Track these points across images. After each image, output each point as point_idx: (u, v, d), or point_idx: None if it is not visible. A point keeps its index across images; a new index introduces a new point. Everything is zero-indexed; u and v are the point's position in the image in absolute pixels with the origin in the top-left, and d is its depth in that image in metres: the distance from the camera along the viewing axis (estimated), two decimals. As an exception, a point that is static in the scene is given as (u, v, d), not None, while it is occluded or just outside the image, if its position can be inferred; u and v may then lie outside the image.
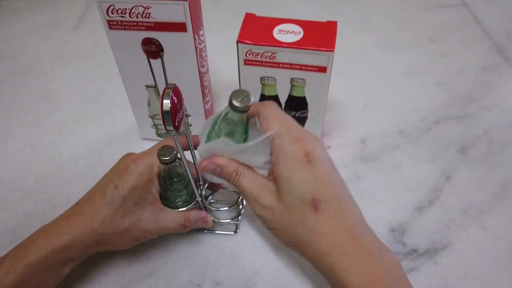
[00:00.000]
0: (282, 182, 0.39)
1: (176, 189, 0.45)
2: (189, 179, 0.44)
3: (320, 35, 0.47)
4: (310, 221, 0.38)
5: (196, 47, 0.47)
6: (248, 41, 0.47)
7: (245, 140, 0.43)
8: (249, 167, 0.42)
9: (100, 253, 0.47)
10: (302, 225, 0.38)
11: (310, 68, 0.48)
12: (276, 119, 0.41)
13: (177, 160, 0.42)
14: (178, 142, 0.39)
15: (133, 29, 0.46)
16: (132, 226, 0.43)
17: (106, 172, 0.45)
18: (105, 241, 0.42)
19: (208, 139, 0.42)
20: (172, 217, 0.45)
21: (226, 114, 0.41)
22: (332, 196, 0.38)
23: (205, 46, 0.51)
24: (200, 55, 0.49)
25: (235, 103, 0.39)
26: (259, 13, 0.51)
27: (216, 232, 0.50)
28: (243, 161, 0.42)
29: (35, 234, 0.41)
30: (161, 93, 0.35)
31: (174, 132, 0.36)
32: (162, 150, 0.42)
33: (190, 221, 0.46)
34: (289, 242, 0.41)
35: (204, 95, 0.53)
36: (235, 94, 0.39)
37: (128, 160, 0.44)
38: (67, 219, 0.42)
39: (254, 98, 0.40)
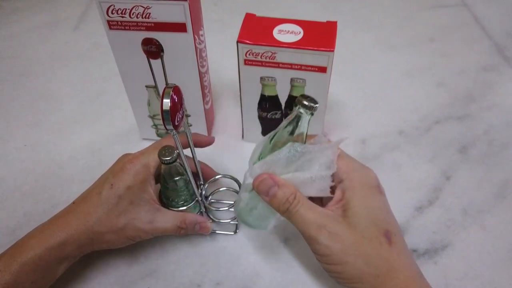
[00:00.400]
0: (357, 208, 0.36)
1: (177, 189, 0.45)
2: (189, 178, 0.44)
3: (320, 35, 0.47)
4: (385, 253, 0.35)
5: (196, 47, 0.47)
6: (248, 41, 0.47)
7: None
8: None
9: (100, 253, 0.47)
10: (379, 256, 0.35)
11: (310, 68, 0.48)
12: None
13: (177, 160, 0.42)
14: (178, 142, 0.39)
15: (133, 29, 0.46)
16: (127, 225, 0.42)
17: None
18: (100, 239, 0.42)
19: (260, 159, 0.40)
20: (168, 218, 0.44)
21: (288, 124, 0.39)
22: (399, 231, 0.37)
23: (205, 46, 0.51)
24: (200, 55, 0.49)
25: (305, 102, 0.38)
26: (259, 13, 0.51)
27: (216, 232, 0.50)
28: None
29: (31, 233, 0.41)
30: (161, 93, 0.35)
31: (174, 131, 0.36)
32: (163, 150, 0.42)
33: (186, 224, 0.45)
34: (358, 276, 0.36)
35: (204, 95, 0.53)
36: (302, 96, 0.39)
37: (124, 160, 0.44)
38: (62, 217, 0.42)
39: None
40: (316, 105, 0.38)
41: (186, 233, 0.46)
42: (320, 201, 0.42)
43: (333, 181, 0.39)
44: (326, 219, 0.36)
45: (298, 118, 0.39)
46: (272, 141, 0.40)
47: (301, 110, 0.38)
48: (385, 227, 0.36)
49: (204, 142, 0.49)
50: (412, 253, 0.36)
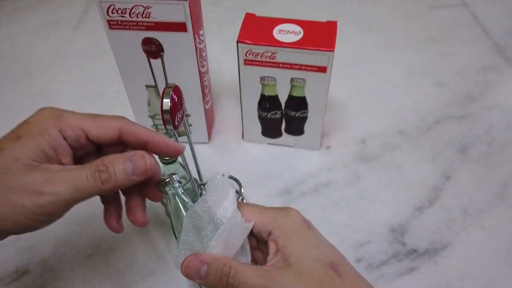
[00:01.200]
0: (295, 252, 0.34)
1: None
2: (190, 179, 0.43)
3: (320, 35, 0.47)
4: (339, 286, 0.34)
5: (196, 47, 0.47)
6: (248, 41, 0.47)
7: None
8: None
9: (101, 253, 0.47)
10: None
11: (310, 68, 0.48)
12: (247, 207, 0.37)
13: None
14: (178, 141, 0.39)
15: (133, 29, 0.46)
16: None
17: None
18: None
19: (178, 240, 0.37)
20: (76, 170, 0.32)
21: (170, 206, 0.37)
22: (343, 258, 0.36)
23: (205, 46, 0.51)
24: (200, 55, 0.49)
25: (162, 186, 0.36)
26: (259, 13, 0.51)
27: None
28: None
29: None
30: (161, 93, 0.35)
31: (174, 131, 0.36)
32: None
33: (105, 163, 0.32)
34: None
35: (204, 95, 0.53)
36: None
37: (49, 122, 0.34)
38: None
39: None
40: (173, 176, 0.36)
41: (110, 180, 0.32)
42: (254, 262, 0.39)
43: (257, 236, 0.37)
44: (271, 276, 0.33)
45: (169, 197, 0.37)
46: (176, 224, 0.37)
47: (166, 191, 0.37)
48: (328, 260, 0.34)
49: (170, 151, 0.37)
50: (362, 277, 0.36)
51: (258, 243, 0.38)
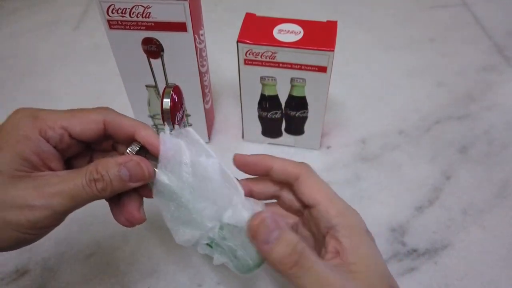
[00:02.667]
0: (361, 260, 0.31)
1: None
2: None
3: (320, 35, 0.47)
4: None
5: (196, 47, 0.47)
6: (248, 41, 0.47)
7: None
8: None
9: (101, 253, 0.47)
10: None
11: (310, 68, 0.48)
12: (320, 191, 0.34)
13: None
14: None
15: (133, 29, 0.46)
16: None
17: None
18: None
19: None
20: (67, 176, 0.30)
21: None
22: (395, 281, 0.33)
23: (205, 46, 0.51)
24: (200, 54, 0.49)
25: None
26: (259, 12, 0.51)
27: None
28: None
29: None
30: (161, 92, 0.35)
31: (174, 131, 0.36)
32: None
33: (100, 171, 0.30)
34: None
35: (204, 95, 0.53)
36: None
37: (26, 125, 0.31)
38: None
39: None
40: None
41: (107, 189, 0.31)
42: None
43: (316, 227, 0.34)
44: (343, 280, 0.29)
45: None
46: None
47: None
48: (388, 281, 0.31)
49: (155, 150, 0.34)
50: None
51: (299, 225, 0.35)
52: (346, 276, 0.29)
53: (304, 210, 0.35)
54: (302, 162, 0.36)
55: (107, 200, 0.36)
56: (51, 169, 0.32)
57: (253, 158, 0.35)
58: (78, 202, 0.30)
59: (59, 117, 0.32)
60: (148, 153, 0.34)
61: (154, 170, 0.32)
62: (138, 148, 0.33)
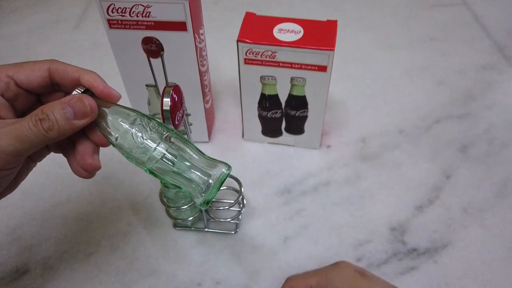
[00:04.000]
0: None
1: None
2: None
3: (320, 34, 0.47)
4: None
5: (196, 46, 0.47)
6: (248, 40, 0.47)
7: None
8: None
9: (101, 252, 0.47)
10: None
11: (310, 67, 0.48)
12: None
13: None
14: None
15: (133, 28, 0.46)
16: None
17: (106, 171, 0.45)
18: None
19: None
20: (14, 120, 0.31)
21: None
22: None
23: (205, 45, 0.51)
24: (200, 54, 0.49)
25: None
26: (259, 12, 0.51)
27: (216, 231, 0.50)
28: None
29: None
30: (161, 92, 0.35)
31: (174, 130, 0.36)
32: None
33: (45, 111, 0.31)
34: None
35: (204, 94, 0.53)
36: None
37: None
38: None
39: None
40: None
41: (53, 128, 0.31)
42: None
43: None
44: None
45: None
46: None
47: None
48: None
49: (101, 92, 0.35)
50: None
51: None
52: None
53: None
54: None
55: (63, 153, 0.37)
56: (1, 118, 0.32)
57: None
58: (26, 143, 0.31)
59: (4, 67, 0.33)
60: (93, 95, 0.34)
61: (98, 107, 0.33)
62: (82, 91, 0.34)
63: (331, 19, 0.50)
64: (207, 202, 0.34)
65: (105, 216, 0.51)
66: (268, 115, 0.55)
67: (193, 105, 0.54)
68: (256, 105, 0.54)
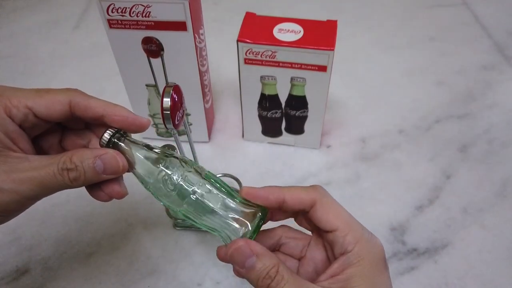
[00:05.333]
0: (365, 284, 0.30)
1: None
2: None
3: (320, 34, 0.47)
4: None
5: (196, 46, 0.47)
6: (248, 40, 0.47)
7: None
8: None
9: (101, 252, 0.47)
10: None
11: (310, 67, 0.48)
12: (338, 216, 0.33)
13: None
14: (178, 141, 0.39)
15: (133, 28, 0.46)
16: None
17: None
18: None
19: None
20: (39, 163, 0.30)
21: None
22: None
23: (205, 45, 0.51)
24: (200, 54, 0.49)
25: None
26: (259, 12, 0.51)
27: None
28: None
29: None
30: (161, 92, 0.35)
31: (174, 130, 0.36)
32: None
33: (74, 161, 0.30)
34: None
35: (204, 94, 0.53)
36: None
37: None
38: None
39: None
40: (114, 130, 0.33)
41: (79, 179, 0.30)
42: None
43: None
44: None
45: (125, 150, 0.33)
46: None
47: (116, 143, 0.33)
48: None
49: (130, 125, 0.33)
50: None
51: (311, 247, 0.35)
52: None
53: (319, 232, 0.34)
54: (315, 186, 0.34)
55: None
56: (20, 149, 0.31)
57: (262, 191, 0.33)
58: (47, 190, 0.30)
59: (24, 96, 0.31)
60: (125, 134, 0.33)
61: (129, 162, 0.33)
62: (113, 132, 0.33)
63: (331, 19, 0.50)
64: None
65: (105, 216, 0.51)
66: (268, 115, 0.55)
67: (193, 105, 0.54)
68: (256, 105, 0.54)
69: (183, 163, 0.33)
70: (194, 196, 0.32)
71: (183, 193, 0.32)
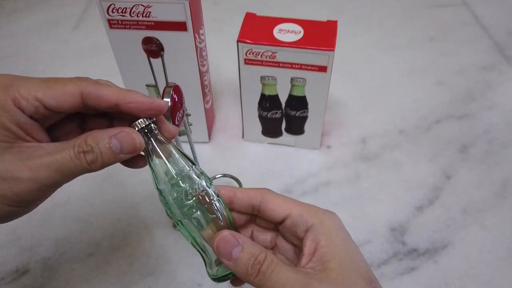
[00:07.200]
0: (339, 257, 0.30)
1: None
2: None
3: (321, 35, 0.47)
4: None
5: (196, 46, 0.47)
6: (248, 41, 0.47)
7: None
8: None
9: (101, 252, 0.47)
10: None
11: (310, 67, 0.48)
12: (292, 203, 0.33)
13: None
14: (178, 140, 0.39)
15: (133, 28, 0.46)
16: None
17: (106, 171, 0.45)
18: None
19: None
20: (54, 147, 0.30)
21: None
22: (375, 276, 0.32)
23: (205, 46, 0.51)
24: (200, 54, 0.49)
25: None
26: (260, 12, 0.51)
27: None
28: None
29: None
30: (161, 92, 0.35)
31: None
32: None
33: (89, 143, 0.29)
34: None
35: (204, 95, 0.53)
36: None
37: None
38: None
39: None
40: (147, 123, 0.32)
41: (97, 161, 0.30)
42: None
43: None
44: (309, 279, 0.29)
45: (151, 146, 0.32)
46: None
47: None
48: (368, 276, 0.31)
49: (147, 109, 0.32)
50: None
51: (279, 238, 0.35)
52: (316, 275, 0.29)
53: (278, 226, 0.34)
54: (263, 187, 0.35)
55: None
56: (35, 139, 0.30)
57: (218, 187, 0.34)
58: (66, 175, 0.29)
59: (33, 87, 0.29)
60: (153, 125, 0.32)
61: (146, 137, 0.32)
62: (146, 124, 0.32)
63: (331, 19, 0.50)
64: (218, 278, 0.33)
65: (105, 216, 0.51)
66: (268, 115, 0.55)
67: (193, 105, 0.54)
68: (256, 105, 0.54)
69: (202, 178, 0.33)
70: (200, 214, 0.32)
71: (194, 207, 0.32)
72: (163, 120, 0.33)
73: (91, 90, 0.30)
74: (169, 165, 0.32)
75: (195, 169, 0.33)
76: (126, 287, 0.45)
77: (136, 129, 0.31)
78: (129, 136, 0.30)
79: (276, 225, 0.34)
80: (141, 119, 0.31)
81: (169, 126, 0.34)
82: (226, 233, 0.31)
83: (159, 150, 0.32)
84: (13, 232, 0.50)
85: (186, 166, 0.32)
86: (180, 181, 0.32)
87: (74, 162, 0.29)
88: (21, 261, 0.47)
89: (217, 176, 0.51)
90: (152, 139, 0.32)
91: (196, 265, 0.47)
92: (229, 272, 0.31)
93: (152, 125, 0.32)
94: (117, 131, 0.30)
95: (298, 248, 0.34)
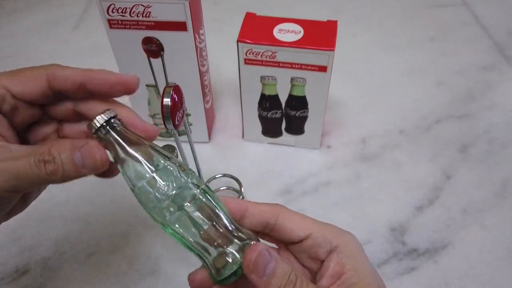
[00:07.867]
0: (366, 281, 0.29)
1: None
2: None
3: (321, 35, 0.47)
4: None
5: (196, 46, 0.47)
6: (248, 41, 0.47)
7: None
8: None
9: (101, 253, 0.47)
10: None
11: (310, 67, 0.48)
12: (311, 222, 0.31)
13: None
14: (178, 141, 0.39)
15: (133, 28, 0.46)
16: None
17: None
18: None
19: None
20: (18, 152, 0.28)
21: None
22: None
23: (205, 46, 0.51)
24: (200, 54, 0.49)
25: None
26: (260, 12, 0.51)
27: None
28: None
29: None
30: (161, 92, 0.35)
31: (174, 130, 0.36)
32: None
33: (52, 153, 0.27)
34: None
35: (204, 95, 0.53)
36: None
37: None
38: None
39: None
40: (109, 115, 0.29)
41: (57, 173, 0.27)
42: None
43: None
44: None
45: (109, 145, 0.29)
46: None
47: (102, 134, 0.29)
48: None
49: (114, 87, 0.31)
50: None
51: (282, 255, 0.33)
52: None
53: (290, 246, 0.33)
54: (276, 203, 0.33)
55: None
56: (2, 136, 0.28)
57: (225, 198, 0.32)
58: (24, 182, 0.27)
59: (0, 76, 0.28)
60: (121, 121, 0.30)
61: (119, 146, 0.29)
62: (108, 118, 0.28)
63: (331, 19, 0.50)
64: (222, 280, 0.30)
65: (105, 216, 0.51)
66: (268, 115, 0.55)
67: (193, 105, 0.54)
68: (256, 105, 0.54)
69: (181, 171, 0.30)
70: (185, 212, 0.30)
71: (174, 205, 0.29)
72: (136, 119, 0.31)
73: (55, 70, 0.29)
74: (138, 164, 0.29)
75: (170, 163, 0.29)
76: (126, 287, 0.45)
77: (93, 130, 0.28)
78: (91, 151, 0.28)
79: (287, 244, 0.32)
80: (99, 116, 0.28)
81: (146, 125, 0.31)
82: (261, 247, 0.28)
83: (126, 149, 0.29)
84: (13, 232, 0.50)
85: (161, 160, 0.29)
86: (155, 179, 0.29)
87: (33, 170, 0.27)
88: (21, 261, 0.47)
89: (217, 176, 0.51)
90: (116, 136, 0.28)
91: (196, 265, 0.47)
92: (234, 270, 0.29)
93: (112, 120, 0.28)
94: (82, 143, 0.28)
95: (308, 268, 0.32)
